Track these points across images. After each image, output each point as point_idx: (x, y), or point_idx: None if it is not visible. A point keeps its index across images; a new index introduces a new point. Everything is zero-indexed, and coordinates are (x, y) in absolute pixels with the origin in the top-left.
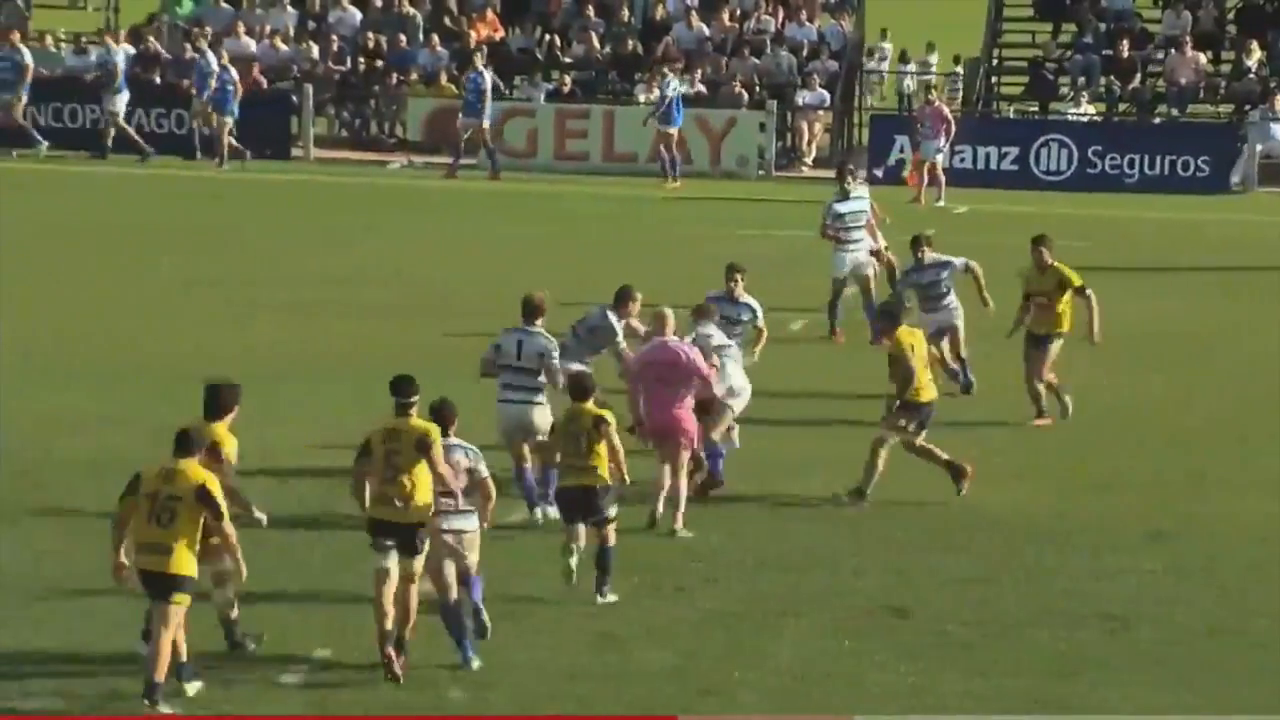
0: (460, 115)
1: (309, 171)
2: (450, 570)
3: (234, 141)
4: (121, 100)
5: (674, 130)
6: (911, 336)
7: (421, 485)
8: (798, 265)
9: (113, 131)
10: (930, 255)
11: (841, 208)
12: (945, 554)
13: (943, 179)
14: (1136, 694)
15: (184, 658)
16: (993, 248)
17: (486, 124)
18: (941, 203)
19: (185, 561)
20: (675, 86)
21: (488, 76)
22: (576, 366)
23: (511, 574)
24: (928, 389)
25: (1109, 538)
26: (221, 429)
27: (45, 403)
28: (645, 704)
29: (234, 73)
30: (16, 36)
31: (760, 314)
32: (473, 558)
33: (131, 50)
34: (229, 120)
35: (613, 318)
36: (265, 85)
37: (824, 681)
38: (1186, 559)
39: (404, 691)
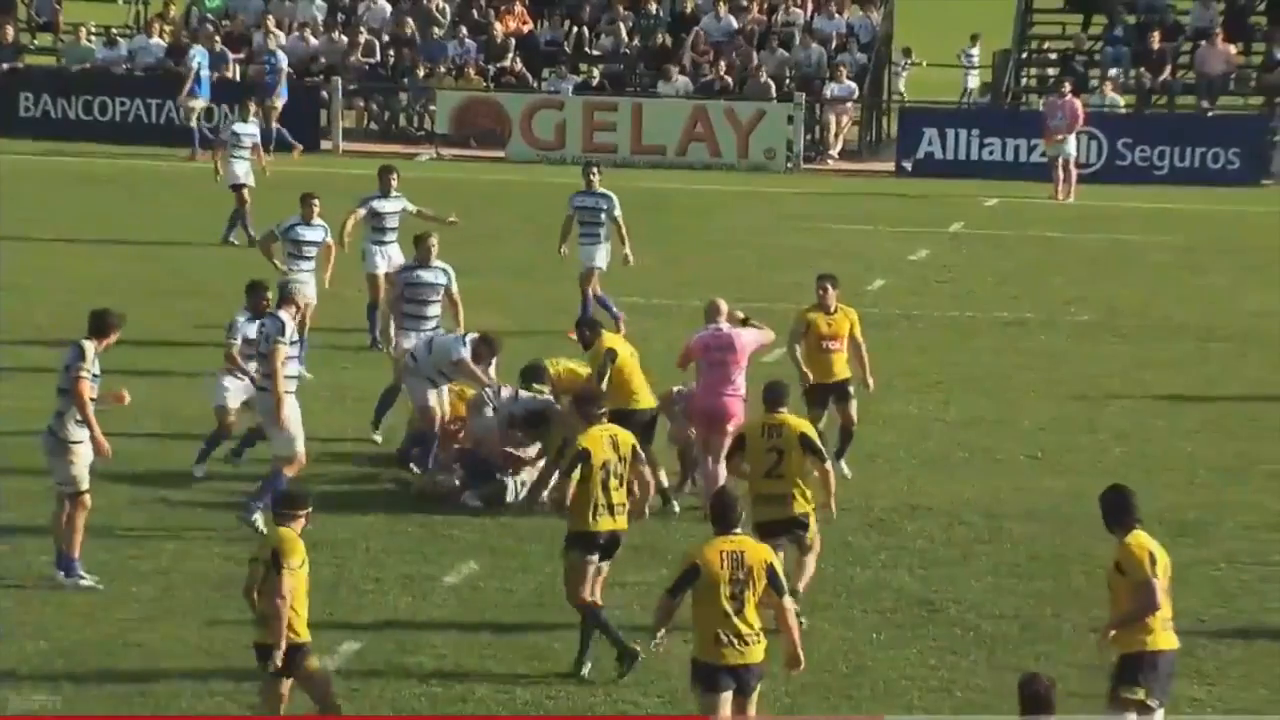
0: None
1: (339, 165)
2: None
3: None
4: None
5: (201, 103)
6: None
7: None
8: (827, 258)
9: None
10: None
11: (584, 201)
12: (973, 548)
13: (1075, 175)
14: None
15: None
16: (1022, 240)
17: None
18: (1072, 199)
19: None
20: (198, 58)
21: (283, 55)
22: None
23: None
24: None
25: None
26: None
27: None
28: (676, 697)
29: None
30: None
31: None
32: None
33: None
34: None
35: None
36: (294, 78)
37: (855, 676)
38: (1211, 550)
39: (431, 685)
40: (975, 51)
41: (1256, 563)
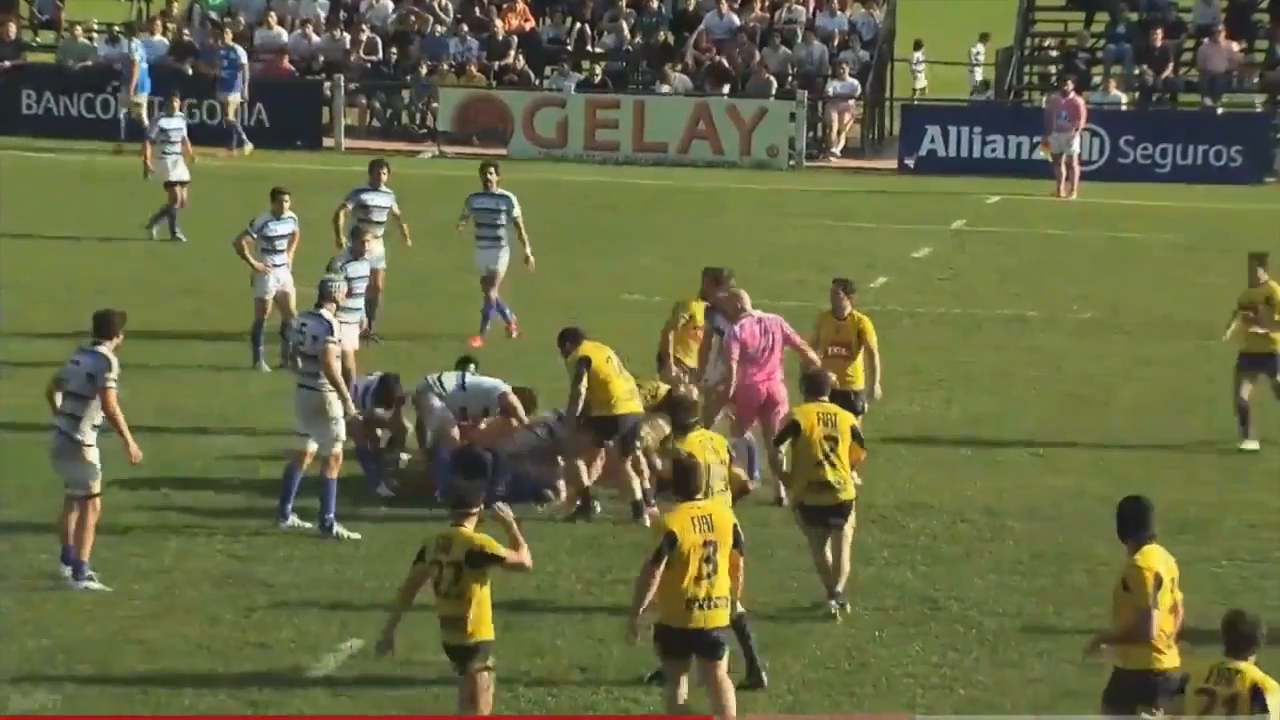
0: (219, 91)
1: (341, 162)
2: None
3: None
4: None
5: (142, 99)
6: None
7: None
8: (829, 256)
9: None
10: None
11: (483, 203)
12: (975, 545)
13: (1078, 173)
14: None
15: None
16: (1025, 238)
17: (236, 99)
18: (1074, 197)
19: None
20: (140, 50)
21: (242, 51)
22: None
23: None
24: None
25: None
26: None
27: None
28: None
29: None
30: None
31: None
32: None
33: (153, 40)
34: None
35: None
36: (297, 75)
37: (857, 672)
38: (1212, 548)
39: (433, 685)
40: (980, 50)
41: (1257, 560)
